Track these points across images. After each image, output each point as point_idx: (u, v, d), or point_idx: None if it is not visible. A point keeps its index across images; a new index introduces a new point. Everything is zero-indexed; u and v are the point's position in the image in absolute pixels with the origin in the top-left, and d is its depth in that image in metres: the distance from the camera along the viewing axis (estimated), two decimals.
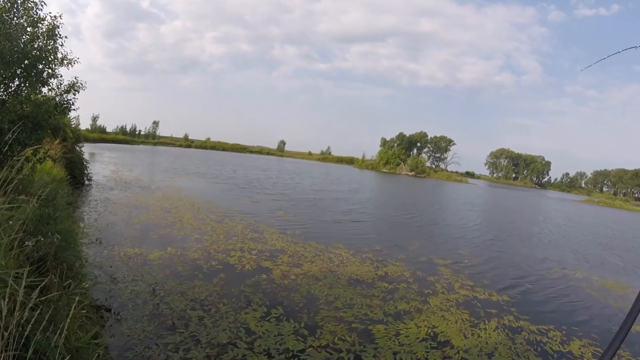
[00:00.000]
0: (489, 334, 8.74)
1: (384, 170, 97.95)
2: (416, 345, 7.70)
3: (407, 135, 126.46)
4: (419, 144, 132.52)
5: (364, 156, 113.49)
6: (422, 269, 13.04)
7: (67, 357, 3.15)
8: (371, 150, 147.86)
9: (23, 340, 2.90)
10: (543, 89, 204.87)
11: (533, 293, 12.25)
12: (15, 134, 5.49)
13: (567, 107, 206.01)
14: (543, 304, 11.30)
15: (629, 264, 20.05)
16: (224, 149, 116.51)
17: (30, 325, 2.81)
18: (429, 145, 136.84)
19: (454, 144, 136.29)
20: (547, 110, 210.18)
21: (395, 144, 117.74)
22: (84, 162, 23.46)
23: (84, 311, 5.06)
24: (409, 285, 11.26)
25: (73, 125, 27.46)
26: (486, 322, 9.36)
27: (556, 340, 8.81)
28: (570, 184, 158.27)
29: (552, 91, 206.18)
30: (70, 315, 3.14)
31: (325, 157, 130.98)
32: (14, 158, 5.42)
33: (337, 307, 8.98)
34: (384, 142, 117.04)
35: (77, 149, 24.26)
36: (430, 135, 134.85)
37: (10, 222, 4.61)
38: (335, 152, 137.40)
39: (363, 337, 7.77)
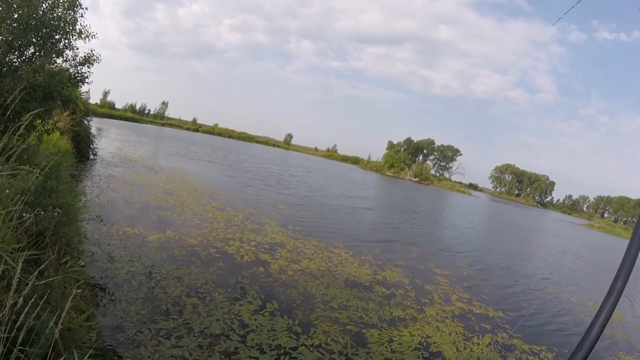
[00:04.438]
0: (482, 349, 8.67)
1: (388, 174, 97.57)
2: (408, 354, 7.63)
3: (415, 141, 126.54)
4: (425, 151, 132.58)
5: (369, 157, 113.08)
6: (420, 277, 12.96)
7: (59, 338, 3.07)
8: (376, 151, 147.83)
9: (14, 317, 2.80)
10: (555, 110, 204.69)
11: (529, 312, 12.15)
12: (18, 97, 5.37)
13: (577, 130, 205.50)
14: (537, 324, 11.23)
15: (629, 295, 19.95)
16: (230, 137, 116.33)
17: (23, 304, 2.72)
18: (435, 153, 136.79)
19: (461, 154, 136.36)
20: (557, 131, 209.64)
21: (402, 149, 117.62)
22: (91, 137, 23.41)
23: (79, 291, 4.96)
24: (406, 292, 11.18)
25: (84, 99, 27.35)
26: (480, 337, 9.29)
27: None
28: (571, 207, 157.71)
29: (564, 112, 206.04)
30: (65, 295, 3.05)
31: (331, 154, 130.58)
32: (18, 125, 5.31)
33: (333, 308, 8.91)
34: (391, 146, 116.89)
35: (85, 122, 24.18)
36: (437, 143, 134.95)
37: (7, 191, 4.51)
38: (341, 150, 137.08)
39: (356, 340, 7.70)
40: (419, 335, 8.57)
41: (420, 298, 10.97)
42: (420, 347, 8.07)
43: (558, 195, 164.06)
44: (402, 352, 7.65)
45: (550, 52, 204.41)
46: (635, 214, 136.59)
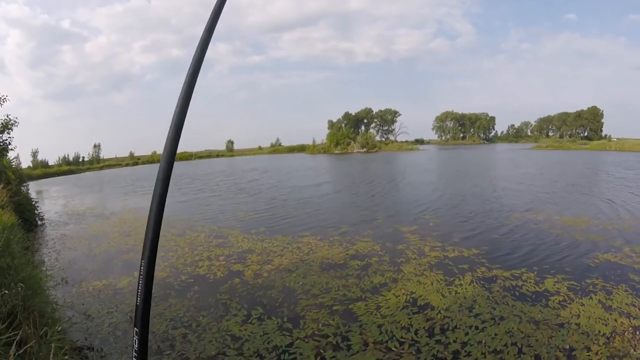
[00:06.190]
0: (466, 288, 9.03)
1: (336, 152, 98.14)
2: (398, 314, 7.88)
3: (353, 113, 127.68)
4: (365, 121, 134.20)
5: (314, 141, 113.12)
6: (390, 239, 13.32)
7: None
8: (319, 133, 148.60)
9: None
10: (478, 50, 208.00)
11: (500, 242, 12.68)
12: None
13: (503, 64, 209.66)
14: (512, 251, 11.71)
15: (587, 198, 20.86)
16: None
17: None
18: (375, 120, 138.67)
19: (400, 114, 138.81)
20: (484, 69, 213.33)
21: (343, 124, 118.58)
22: (33, 203, 22.67)
23: (66, 357, 4.95)
24: (381, 258, 11.48)
25: (14, 166, 26.45)
26: (461, 278, 9.67)
27: (530, 282, 9.18)
28: (517, 134, 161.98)
29: (487, 50, 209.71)
30: None
31: (276, 149, 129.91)
32: None
33: (315, 294, 9.09)
34: (332, 124, 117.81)
35: (23, 189, 23.42)
36: (375, 110, 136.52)
37: None
38: (286, 142, 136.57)
39: (346, 317, 7.90)
40: (403, 294, 8.85)
41: (395, 259, 11.29)
42: (408, 304, 8.36)
43: (501, 127, 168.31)
44: (392, 314, 7.90)
45: None
46: (577, 126, 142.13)
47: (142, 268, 1.58)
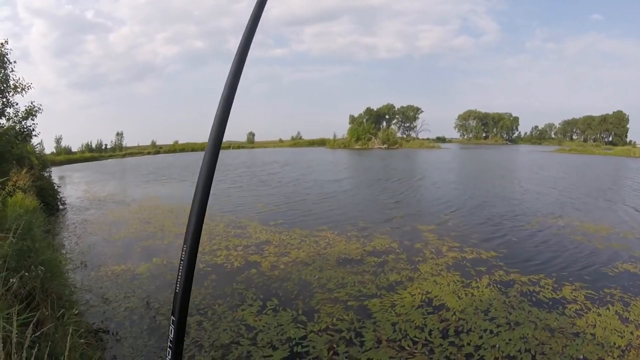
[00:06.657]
0: (482, 291, 8.95)
1: (357, 147, 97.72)
2: (413, 314, 7.86)
3: (375, 109, 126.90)
4: (387, 117, 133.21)
5: (334, 136, 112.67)
6: (408, 238, 13.27)
7: None
8: (340, 128, 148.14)
9: None
10: (502, 48, 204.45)
11: (519, 246, 12.56)
12: None
13: (526, 63, 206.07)
14: (531, 255, 11.58)
15: (611, 205, 20.54)
16: (193, 150, 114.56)
17: None
18: (397, 116, 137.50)
19: (422, 111, 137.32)
20: (507, 67, 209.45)
21: (364, 119, 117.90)
22: (55, 187, 22.95)
23: (82, 340, 5.00)
24: (398, 255, 11.44)
25: (37, 152, 26.77)
26: (478, 280, 9.60)
27: (548, 288, 9.05)
28: (540, 136, 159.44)
29: (510, 49, 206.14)
30: (68, 347, 3.10)
31: (297, 142, 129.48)
32: None
33: (331, 289, 9.11)
34: (353, 119, 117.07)
35: (46, 175, 23.71)
36: (397, 106, 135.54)
37: None
38: (306, 136, 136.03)
39: (360, 313, 7.91)
40: (419, 293, 8.82)
41: (412, 258, 11.24)
42: (423, 304, 8.33)
43: (524, 128, 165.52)
44: (406, 313, 7.88)
45: None
46: (602, 130, 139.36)
47: (183, 254, 1.50)
